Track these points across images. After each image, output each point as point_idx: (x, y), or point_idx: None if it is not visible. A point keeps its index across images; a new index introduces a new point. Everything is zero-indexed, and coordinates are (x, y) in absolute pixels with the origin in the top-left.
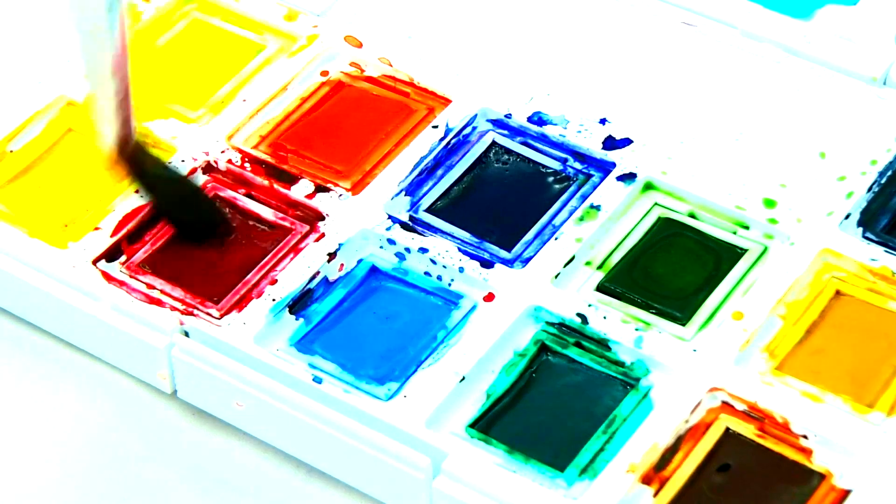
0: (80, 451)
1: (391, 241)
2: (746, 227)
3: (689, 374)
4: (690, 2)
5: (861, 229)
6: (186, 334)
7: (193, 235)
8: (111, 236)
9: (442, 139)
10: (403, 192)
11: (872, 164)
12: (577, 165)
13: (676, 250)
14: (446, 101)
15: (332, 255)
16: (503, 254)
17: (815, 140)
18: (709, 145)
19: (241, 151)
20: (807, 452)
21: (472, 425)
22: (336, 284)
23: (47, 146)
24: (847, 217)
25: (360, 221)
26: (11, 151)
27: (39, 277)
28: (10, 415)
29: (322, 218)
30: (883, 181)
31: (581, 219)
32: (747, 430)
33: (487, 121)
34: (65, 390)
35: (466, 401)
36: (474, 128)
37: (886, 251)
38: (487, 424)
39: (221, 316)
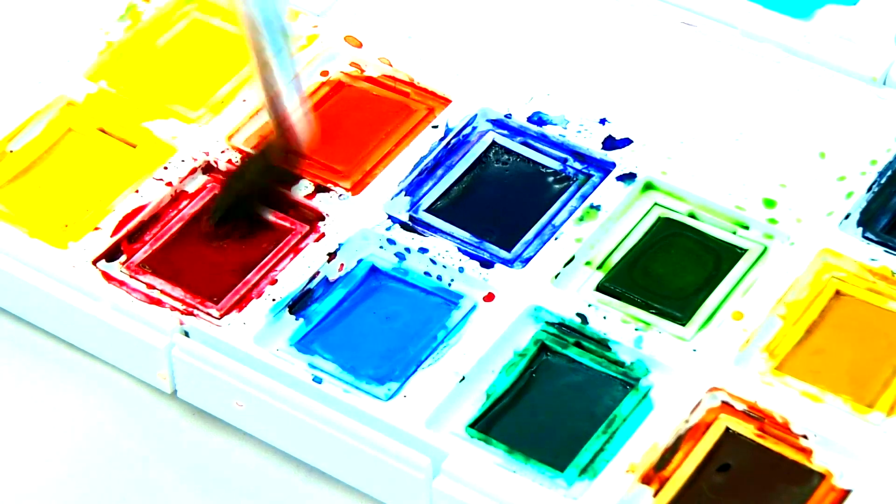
0: (80, 450)
1: (391, 241)
2: (746, 227)
3: (689, 374)
4: (690, 2)
5: (861, 229)
6: (186, 334)
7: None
8: (111, 236)
9: (442, 139)
10: (403, 192)
11: (872, 164)
12: (577, 165)
13: (676, 250)
14: (446, 101)
15: (332, 255)
16: (503, 254)
17: (815, 140)
18: (709, 145)
19: (241, 151)
20: (807, 452)
21: (472, 425)
22: (336, 284)
23: (47, 146)
24: (847, 217)
25: (360, 221)
26: (11, 151)
27: (39, 277)
28: (11, 415)
29: (322, 218)
30: (883, 181)
31: (581, 219)
32: (747, 430)
33: (487, 121)
34: (65, 390)
35: (466, 401)
36: (474, 128)
37: (886, 251)
38: (487, 424)
39: (221, 316)
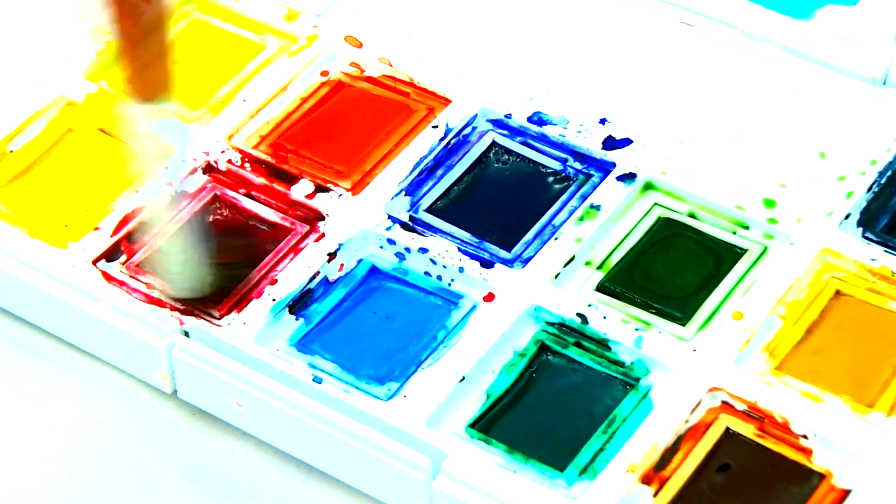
0: (80, 450)
1: (391, 241)
2: (746, 227)
3: (689, 374)
4: (690, 2)
5: (861, 229)
6: (186, 334)
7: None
8: (111, 236)
9: (442, 139)
10: (403, 192)
11: (872, 164)
12: (577, 165)
13: (676, 250)
14: (446, 101)
15: (332, 255)
16: (503, 254)
17: (815, 140)
18: (709, 145)
19: (241, 151)
20: (807, 452)
21: (472, 425)
22: (336, 284)
23: (47, 146)
24: (847, 217)
25: (360, 221)
26: (11, 151)
27: (39, 277)
28: (11, 415)
29: (322, 218)
30: (883, 181)
31: (581, 219)
32: (747, 429)
33: (487, 121)
34: (65, 390)
35: (466, 401)
36: (474, 128)
37: (886, 251)
38: (487, 424)
39: (221, 316)
